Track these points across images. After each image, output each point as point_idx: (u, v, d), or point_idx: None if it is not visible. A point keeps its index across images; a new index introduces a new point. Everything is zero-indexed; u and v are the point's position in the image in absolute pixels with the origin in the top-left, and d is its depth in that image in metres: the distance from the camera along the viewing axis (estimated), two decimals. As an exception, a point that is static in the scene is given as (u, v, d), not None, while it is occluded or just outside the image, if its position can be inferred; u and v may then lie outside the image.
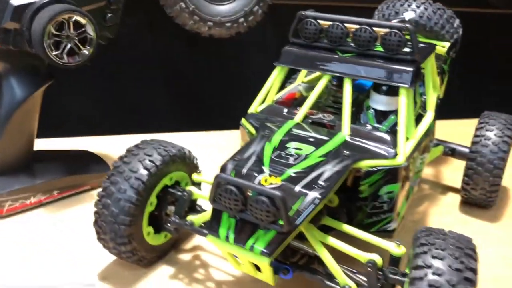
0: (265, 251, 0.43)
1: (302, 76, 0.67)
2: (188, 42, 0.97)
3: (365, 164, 0.50)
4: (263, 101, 0.59)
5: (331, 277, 0.47)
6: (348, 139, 0.52)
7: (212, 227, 0.46)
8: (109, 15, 0.65)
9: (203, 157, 0.61)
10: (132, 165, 0.52)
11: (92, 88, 1.01)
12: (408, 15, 0.71)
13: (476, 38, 0.89)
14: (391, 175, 0.50)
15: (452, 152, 0.70)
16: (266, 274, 0.47)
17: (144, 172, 0.52)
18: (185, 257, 0.60)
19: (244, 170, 0.48)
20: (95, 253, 0.57)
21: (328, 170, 0.48)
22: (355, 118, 0.58)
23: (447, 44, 0.72)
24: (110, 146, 0.82)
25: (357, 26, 0.55)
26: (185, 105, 1.10)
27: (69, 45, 0.59)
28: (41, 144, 0.72)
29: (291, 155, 0.49)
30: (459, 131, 0.77)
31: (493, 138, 0.64)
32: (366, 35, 0.54)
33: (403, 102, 0.53)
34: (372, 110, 0.58)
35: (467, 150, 0.68)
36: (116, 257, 0.56)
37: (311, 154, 0.49)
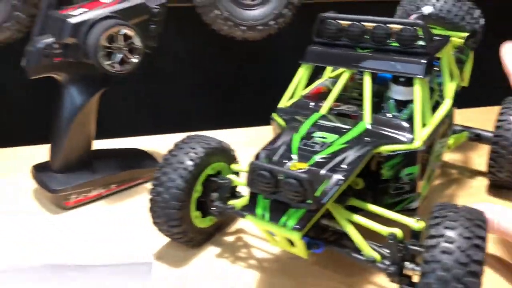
0: (296, 226, 0.49)
1: (328, 72, 0.72)
2: (219, 44, 1.03)
3: (385, 148, 0.55)
4: (291, 97, 0.65)
5: (357, 251, 0.53)
6: (369, 127, 0.57)
7: (249, 208, 0.51)
8: (152, 26, 0.73)
9: (238, 151, 0.67)
10: (180, 157, 0.60)
11: (131, 93, 1.10)
12: (427, 9, 0.75)
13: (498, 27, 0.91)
14: (410, 158, 0.55)
15: (477, 137, 0.74)
16: (299, 248, 0.52)
17: (189, 163, 0.59)
18: (229, 238, 0.67)
19: (275, 158, 0.53)
20: (150, 236, 0.65)
21: (351, 155, 0.53)
22: (379, 108, 0.63)
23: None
24: (153, 144, 0.91)
25: (374, 24, 0.61)
26: (219, 104, 1.17)
27: (119, 55, 0.67)
28: (97, 145, 0.80)
29: (317, 143, 0.54)
30: (484, 118, 0.81)
31: None
32: (382, 32, 0.60)
33: (418, 91, 0.58)
34: (392, 100, 0.63)
35: (491, 134, 0.72)
36: (169, 238, 0.63)
37: (335, 141, 0.55)
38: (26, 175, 0.76)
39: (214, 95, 1.16)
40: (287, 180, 0.47)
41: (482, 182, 0.77)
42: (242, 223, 0.69)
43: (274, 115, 0.64)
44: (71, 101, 0.72)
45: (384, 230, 0.52)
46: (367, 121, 0.58)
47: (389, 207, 0.57)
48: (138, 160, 0.81)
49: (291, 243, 0.52)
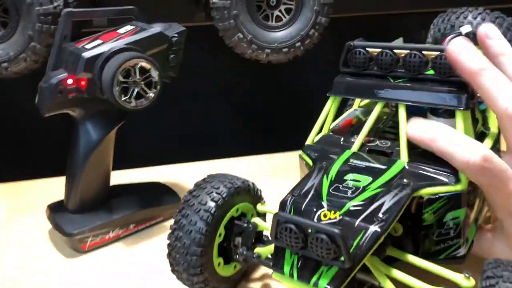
0: (328, 287, 0.44)
1: (358, 102, 0.67)
2: (247, 66, 0.99)
3: (426, 191, 0.49)
4: (319, 131, 0.60)
5: None
6: (407, 166, 0.51)
7: (276, 263, 0.47)
8: (172, 56, 0.69)
9: (267, 180, 0.62)
10: (201, 198, 0.55)
11: (157, 118, 1.06)
12: (465, 29, 0.69)
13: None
14: (455, 201, 0.49)
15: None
16: None
17: (212, 204, 0.54)
18: (255, 286, 0.62)
19: (303, 206, 0.48)
20: (171, 282, 0.59)
21: (387, 201, 0.47)
22: None
23: None
24: (180, 174, 0.86)
25: (407, 51, 0.54)
26: (250, 128, 1.13)
27: (136, 90, 0.63)
28: (115, 176, 0.76)
29: (349, 188, 0.49)
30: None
31: None
32: (416, 60, 0.54)
33: (460, 125, 0.52)
34: None
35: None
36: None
37: (369, 185, 0.49)
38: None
39: (241, 119, 1.12)
40: (316, 235, 0.42)
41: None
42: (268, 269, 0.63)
43: (302, 154, 0.58)
44: (87, 137, 0.68)
45: None
46: (404, 159, 0.52)
47: (433, 255, 0.50)
48: (159, 196, 0.77)
49: None
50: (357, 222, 0.45)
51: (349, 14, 0.91)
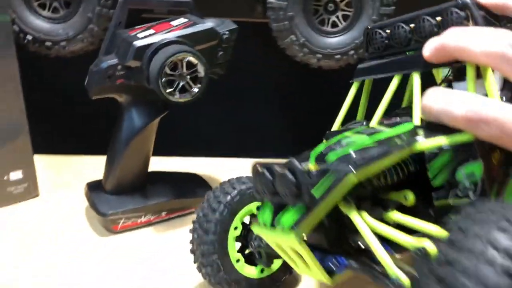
0: (293, 226, 0.41)
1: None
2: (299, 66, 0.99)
3: (426, 145, 0.43)
4: (344, 119, 0.57)
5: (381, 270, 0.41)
6: (419, 130, 0.45)
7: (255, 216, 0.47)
8: (220, 53, 0.69)
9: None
10: (218, 193, 0.56)
11: (209, 109, 1.07)
12: None
13: None
14: (464, 151, 0.41)
15: None
16: (312, 266, 0.44)
17: (227, 197, 0.54)
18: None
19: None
20: (194, 274, 0.59)
21: (373, 150, 0.42)
22: None
23: None
24: (219, 167, 0.87)
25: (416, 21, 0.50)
26: (297, 128, 1.12)
27: (181, 83, 0.64)
28: (156, 162, 0.78)
29: (341, 145, 0.45)
30: None
31: None
32: (426, 24, 0.50)
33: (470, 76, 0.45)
34: None
35: None
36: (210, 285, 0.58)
37: (361, 141, 0.44)
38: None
39: (293, 117, 1.11)
40: (281, 172, 0.41)
41: None
42: (307, 280, 0.61)
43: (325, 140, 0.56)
44: (130, 123, 0.70)
45: (412, 243, 0.38)
46: (416, 122, 0.46)
47: None
48: (193, 188, 0.78)
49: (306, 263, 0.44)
50: (331, 165, 0.41)
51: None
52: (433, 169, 0.43)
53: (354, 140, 0.45)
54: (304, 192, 0.41)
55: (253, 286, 0.56)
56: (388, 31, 0.54)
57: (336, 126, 0.57)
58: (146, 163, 0.74)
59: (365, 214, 0.43)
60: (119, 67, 0.66)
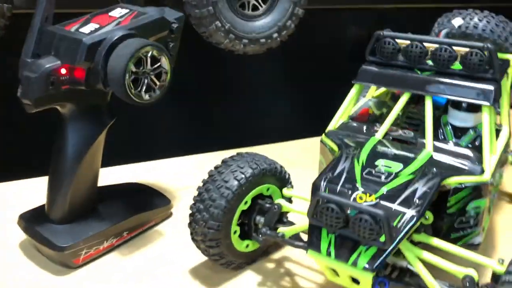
0: (368, 266, 0.45)
1: (373, 91, 0.67)
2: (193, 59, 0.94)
3: (454, 181, 0.51)
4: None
5: None
6: (433, 156, 0.53)
7: (312, 242, 0.48)
8: (171, 44, 0.62)
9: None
10: (225, 175, 0.55)
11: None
12: (456, 22, 0.71)
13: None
14: (479, 191, 0.51)
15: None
16: (364, 287, 0.48)
17: (234, 183, 0.54)
18: (272, 265, 0.61)
19: (337, 188, 0.49)
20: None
21: (420, 187, 0.49)
22: (434, 134, 0.59)
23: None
24: (121, 175, 0.80)
25: (436, 45, 0.56)
26: (194, 126, 1.08)
27: (146, 81, 0.56)
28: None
29: (382, 173, 0.50)
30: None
31: None
32: (446, 54, 0.55)
33: (487, 120, 0.54)
34: (450, 127, 0.59)
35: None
36: (207, 258, 0.58)
37: (401, 171, 0.50)
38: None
39: (190, 115, 1.06)
40: (360, 216, 0.44)
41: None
42: (288, 250, 0.63)
43: (325, 138, 0.58)
44: (79, 136, 0.59)
45: (459, 271, 0.47)
46: (429, 149, 0.53)
47: (451, 242, 0.52)
48: (148, 200, 0.69)
49: (355, 280, 0.48)
50: (395, 205, 0.47)
51: (321, 6, 0.90)
52: (452, 199, 0.51)
53: (392, 168, 0.51)
54: (386, 237, 0.44)
55: (246, 257, 0.60)
56: (398, 41, 0.58)
57: (333, 125, 0.60)
58: (97, 181, 0.64)
59: (412, 246, 0.49)
60: (64, 70, 0.55)
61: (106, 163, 0.76)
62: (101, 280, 0.59)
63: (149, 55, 0.55)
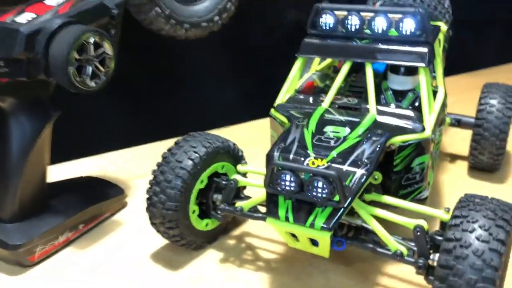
0: (325, 226, 0.47)
1: (316, 65, 0.69)
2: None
3: (398, 139, 0.54)
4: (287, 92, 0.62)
5: (380, 245, 0.51)
6: (377, 119, 0.56)
7: (270, 210, 0.49)
8: (113, 30, 0.61)
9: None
10: (178, 156, 0.55)
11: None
12: None
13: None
14: (422, 147, 0.55)
15: (458, 122, 0.75)
16: (323, 248, 0.50)
17: (189, 162, 0.55)
18: (233, 241, 0.63)
19: (291, 156, 0.51)
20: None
21: (367, 148, 0.51)
22: (376, 99, 0.61)
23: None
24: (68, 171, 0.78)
25: (372, 14, 0.58)
26: (138, 116, 1.06)
27: (90, 68, 0.55)
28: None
29: (331, 138, 0.52)
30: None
31: (497, 105, 0.70)
32: (383, 22, 0.58)
33: (424, 80, 0.57)
34: (390, 91, 0.62)
35: (472, 120, 0.73)
36: (167, 240, 0.58)
37: (348, 135, 0.53)
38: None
39: (131, 106, 1.04)
40: (314, 178, 0.46)
41: (462, 166, 0.79)
42: (246, 224, 0.65)
43: (274, 112, 0.60)
44: (23, 132, 0.57)
45: (410, 222, 0.50)
46: (373, 113, 0.56)
47: (400, 198, 0.55)
48: (101, 191, 0.68)
49: (314, 243, 0.51)
50: (345, 166, 0.49)
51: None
52: (398, 158, 0.54)
53: (339, 133, 0.53)
54: (340, 196, 0.46)
55: (207, 237, 0.61)
56: (337, 12, 0.60)
57: (280, 99, 0.61)
58: (45, 176, 0.62)
59: (365, 205, 0.52)
60: (1, 62, 0.53)
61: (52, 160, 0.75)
62: (58, 276, 0.57)
63: (91, 41, 0.54)
